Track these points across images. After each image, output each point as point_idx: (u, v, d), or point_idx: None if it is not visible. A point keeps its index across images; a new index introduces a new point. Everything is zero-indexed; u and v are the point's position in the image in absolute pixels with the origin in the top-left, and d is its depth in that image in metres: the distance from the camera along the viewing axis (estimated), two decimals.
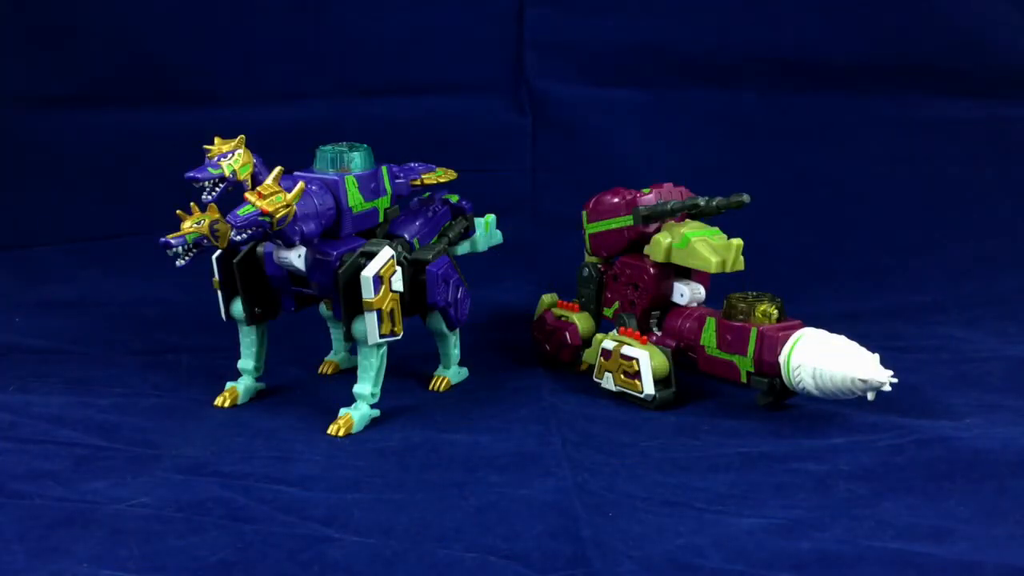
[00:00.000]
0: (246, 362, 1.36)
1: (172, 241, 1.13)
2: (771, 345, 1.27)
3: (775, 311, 1.30)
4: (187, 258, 1.15)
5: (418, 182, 1.40)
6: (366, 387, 1.27)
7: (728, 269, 1.32)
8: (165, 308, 1.70)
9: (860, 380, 1.20)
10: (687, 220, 1.38)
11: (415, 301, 1.33)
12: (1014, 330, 1.63)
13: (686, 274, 1.40)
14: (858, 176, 1.90)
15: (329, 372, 1.47)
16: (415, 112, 1.85)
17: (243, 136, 1.23)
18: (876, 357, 1.21)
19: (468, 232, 1.46)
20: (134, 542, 1.00)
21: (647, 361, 1.32)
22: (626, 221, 1.40)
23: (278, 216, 1.17)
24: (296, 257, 1.25)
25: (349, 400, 1.28)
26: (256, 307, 1.33)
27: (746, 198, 1.31)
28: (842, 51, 1.86)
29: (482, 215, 1.49)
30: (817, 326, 1.29)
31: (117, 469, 1.15)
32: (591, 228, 1.44)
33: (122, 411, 1.30)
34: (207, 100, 1.84)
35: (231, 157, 1.21)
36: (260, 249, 1.29)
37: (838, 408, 1.30)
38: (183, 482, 1.12)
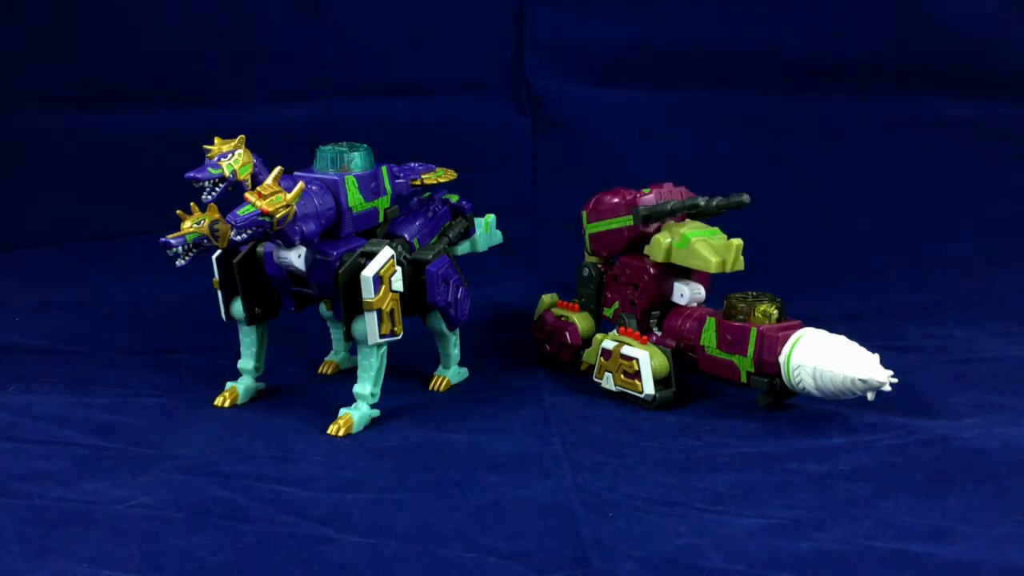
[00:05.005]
0: (246, 362, 1.36)
1: (172, 241, 1.13)
2: (771, 345, 1.27)
3: (775, 311, 1.30)
4: (187, 258, 1.15)
5: (418, 182, 1.40)
6: (366, 387, 1.27)
7: (728, 269, 1.32)
8: (165, 308, 1.70)
9: (860, 380, 1.20)
10: (687, 220, 1.38)
11: (415, 301, 1.34)
12: (1014, 330, 1.63)
13: (686, 274, 1.39)
14: (858, 176, 1.90)
15: (329, 372, 1.47)
16: (415, 112, 1.85)
17: (243, 136, 1.23)
18: (876, 357, 1.21)
19: (468, 232, 1.46)
20: (134, 542, 1.00)
21: (647, 361, 1.32)
22: (626, 221, 1.40)
23: (278, 216, 1.16)
24: (296, 257, 1.25)
25: (349, 400, 1.28)
26: (256, 307, 1.33)
27: (746, 198, 1.31)
28: (843, 51, 1.86)
29: (482, 215, 1.49)
30: (817, 326, 1.29)
31: (117, 469, 1.15)
32: (591, 228, 1.44)
33: (122, 411, 1.30)
34: (207, 100, 1.84)
35: (231, 157, 1.21)
36: (260, 249, 1.29)
37: (838, 408, 1.30)
38: (183, 482, 1.12)
